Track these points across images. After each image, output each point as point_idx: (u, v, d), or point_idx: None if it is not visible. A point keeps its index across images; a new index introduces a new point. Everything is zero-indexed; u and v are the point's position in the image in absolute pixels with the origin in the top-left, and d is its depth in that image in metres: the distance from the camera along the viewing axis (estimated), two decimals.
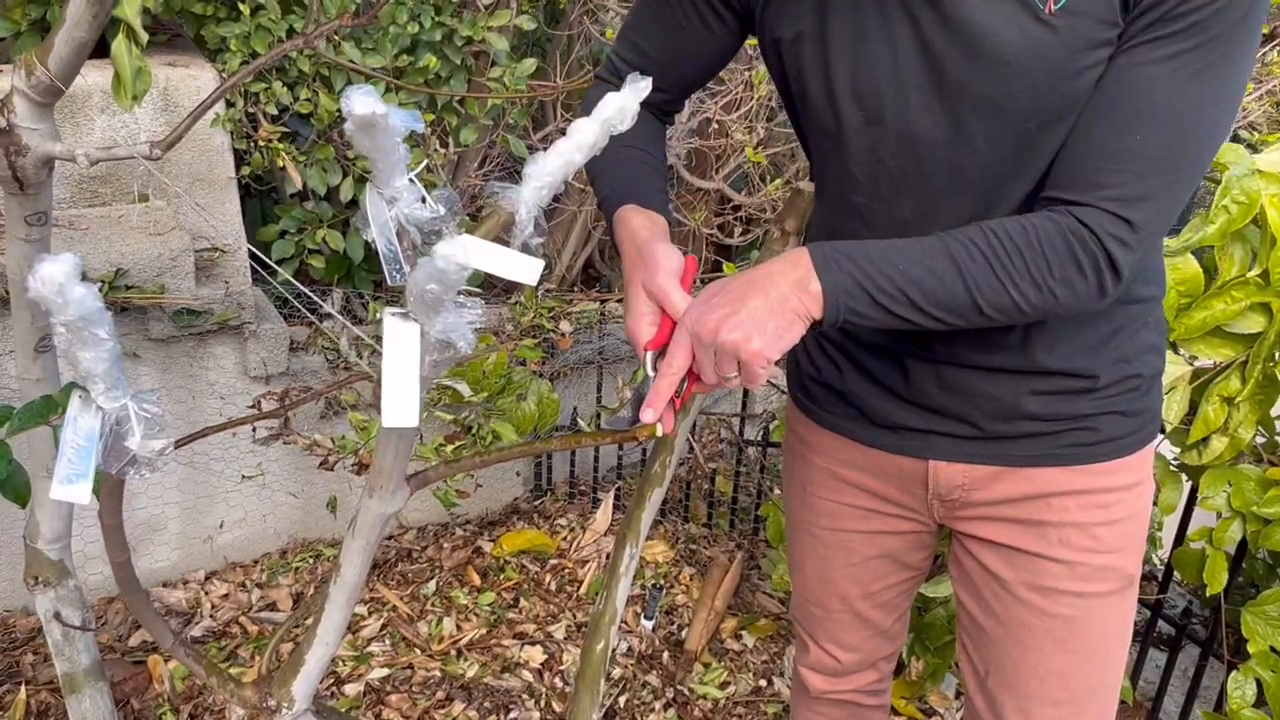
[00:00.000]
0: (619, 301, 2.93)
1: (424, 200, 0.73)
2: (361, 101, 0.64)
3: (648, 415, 0.88)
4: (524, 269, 0.80)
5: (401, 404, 0.75)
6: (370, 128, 0.65)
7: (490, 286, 3.79)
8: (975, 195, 0.90)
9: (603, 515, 2.85)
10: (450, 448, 2.27)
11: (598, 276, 4.05)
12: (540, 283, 2.66)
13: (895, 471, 1.11)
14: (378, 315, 2.51)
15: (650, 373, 0.92)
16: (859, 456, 1.13)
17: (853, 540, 1.17)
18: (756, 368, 0.83)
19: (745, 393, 2.87)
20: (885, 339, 1.03)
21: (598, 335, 2.84)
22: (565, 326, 2.71)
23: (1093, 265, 0.83)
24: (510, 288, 3.50)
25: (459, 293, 0.72)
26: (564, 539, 2.84)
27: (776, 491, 2.59)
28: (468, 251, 0.67)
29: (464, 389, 2.27)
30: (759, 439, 2.73)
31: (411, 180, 0.72)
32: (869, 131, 0.91)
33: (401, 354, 0.74)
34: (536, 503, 3.03)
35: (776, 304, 0.82)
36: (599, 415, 2.80)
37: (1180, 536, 1.76)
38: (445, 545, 2.77)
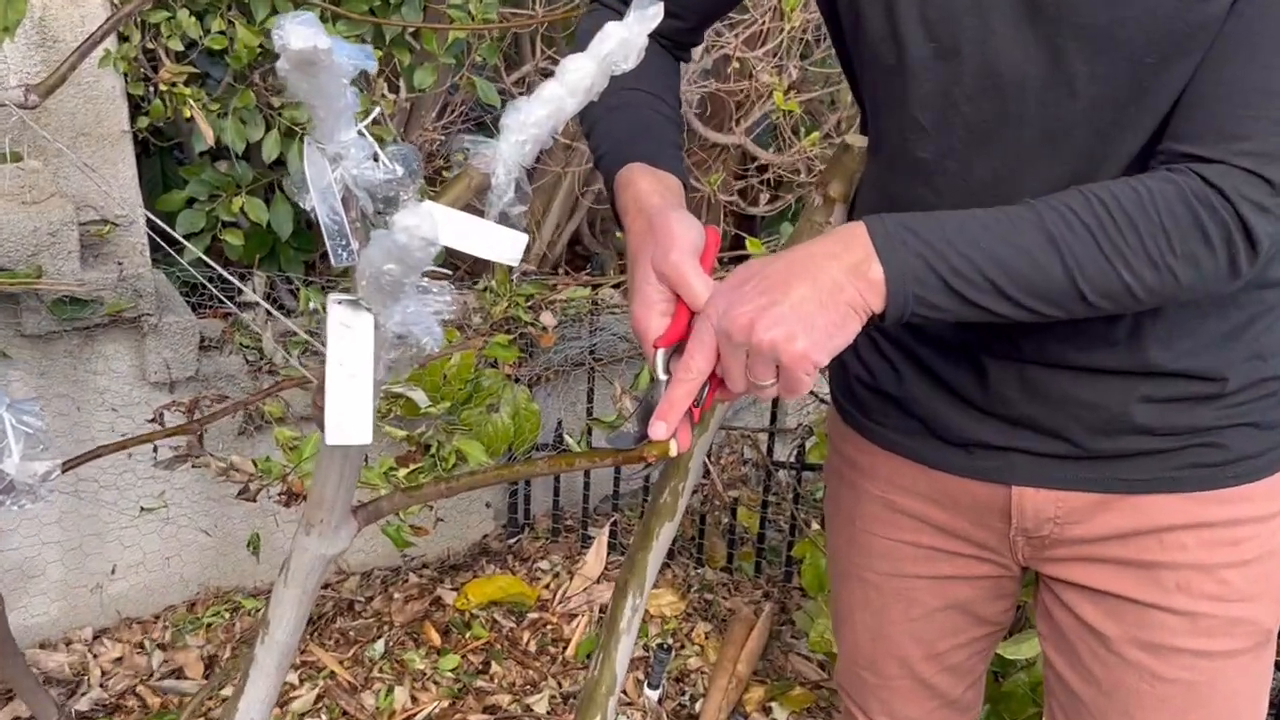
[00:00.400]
0: (617, 287, 2.94)
1: (376, 158, 0.73)
2: (299, 33, 0.63)
3: (658, 430, 0.87)
4: (503, 245, 0.80)
5: (349, 415, 0.75)
6: (309, 66, 0.65)
7: (452, 268, 3.77)
8: (1075, 151, 0.88)
9: (595, 557, 2.86)
10: (403, 472, 2.27)
11: (587, 256, 4.06)
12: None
13: (969, 501, 1.10)
14: (310, 305, 2.51)
15: (661, 376, 0.92)
16: (922, 482, 1.13)
17: (914, 588, 1.18)
18: (800, 374, 0.82)
19: (775, 402, 2.89)
20: (956, 332, 1.02)
21: (588, 330, 2.85)
22: (547, 319, 2.72)
23: (1223, 237, 0.81)
24: (477, 269, 3.51)
25: (423, 274, 0.72)
26: (546, 587, 2.85)
27: (815, 526, 2.60)
28: (435, 223, 0.66)
29: (419, 397, 2.28)
30: (792, 460, 2.73)
31: (361, 133, 0.72)
32: (940, 68, 0.89)
33: (350, 352, 0.74)
34: (511, 541, 3.04)
35: (827, 294, 0.82)
36: (590, 430, 2.80)
37: None
38: (397, 595, 2.77)
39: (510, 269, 2.69)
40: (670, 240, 0.91)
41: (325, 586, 2.74)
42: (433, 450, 2.32)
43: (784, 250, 0.87)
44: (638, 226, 0.96)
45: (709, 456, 2.75)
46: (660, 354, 0.92)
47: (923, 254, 0.82)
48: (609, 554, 2.92)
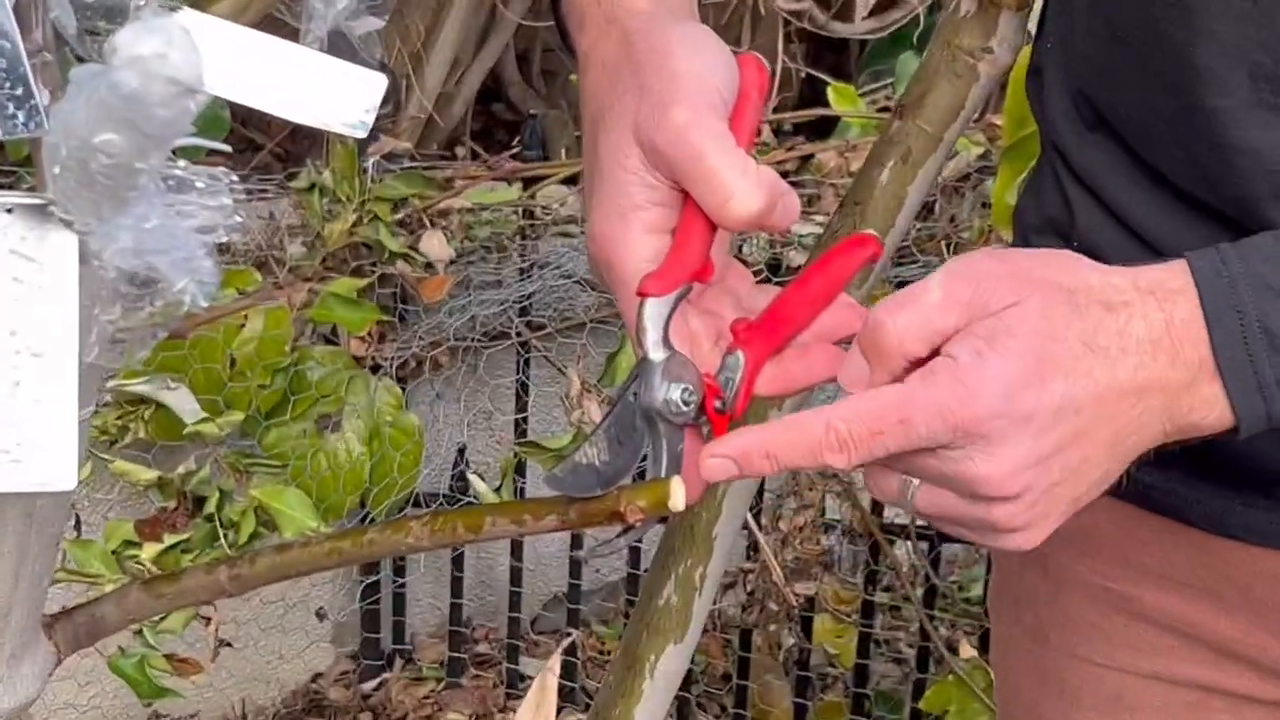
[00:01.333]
0: (572, 182, 2.92)
1: None
2: None
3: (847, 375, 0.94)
4: (338, 98, 0.81)
5: (34, 438, 0.76)
6: None
7: (239, 145, 3.73)
8: None
9: (533, 712, 2.86)
10: (151, 552, 2.27)
11: (514, 123, 4.06)
12: (372, 134, 2.66)
13: (1276, 594, 1.13)
14: None
15: (653, 353, 0.94)
16: (1184, 558, 1.16)
17: None
18: (1009, 546, 0.94)
19: None
20: None
21: (517, 266, 2.85)
22: (435, 246, 2.72)
23: None
24: (295, 150, 3.49)
25: (176, 156, 0.73)
26: None
27: (969, 652, 2.61)
28: (198, 51, 0.66)
29: (183, 402, 2.28)
30: (919, 523, 2.78)
31: None
32: None
33: (30, 310, 0.73)
34: (369, 686, 3.03)
35: (1119, 457, 0.94)
36: (521, 464, 2.80)
37: None
38: None
39: (361, 145, 2.68)
40: (671, 84, 0.94)
41: None
42: (209, 507, 2.32)
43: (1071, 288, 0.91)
44: (606, 55, 0.99)
45: (754, 515, 2.75)
46: (649, 308, 0.94)
47: None
48: (562, 708, 2.92)
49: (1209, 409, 0.91)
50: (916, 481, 0.91)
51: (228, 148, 0.72)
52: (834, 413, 0.89)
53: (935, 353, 0.89)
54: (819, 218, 2.87)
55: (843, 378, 0.93)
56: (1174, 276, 0.91)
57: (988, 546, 0.94)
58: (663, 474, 0.94)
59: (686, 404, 0.94)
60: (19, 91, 0.76)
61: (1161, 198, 1.07)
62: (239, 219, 0.77)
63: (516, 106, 4.15)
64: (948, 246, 2.66)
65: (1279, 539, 1.10)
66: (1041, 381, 0.88)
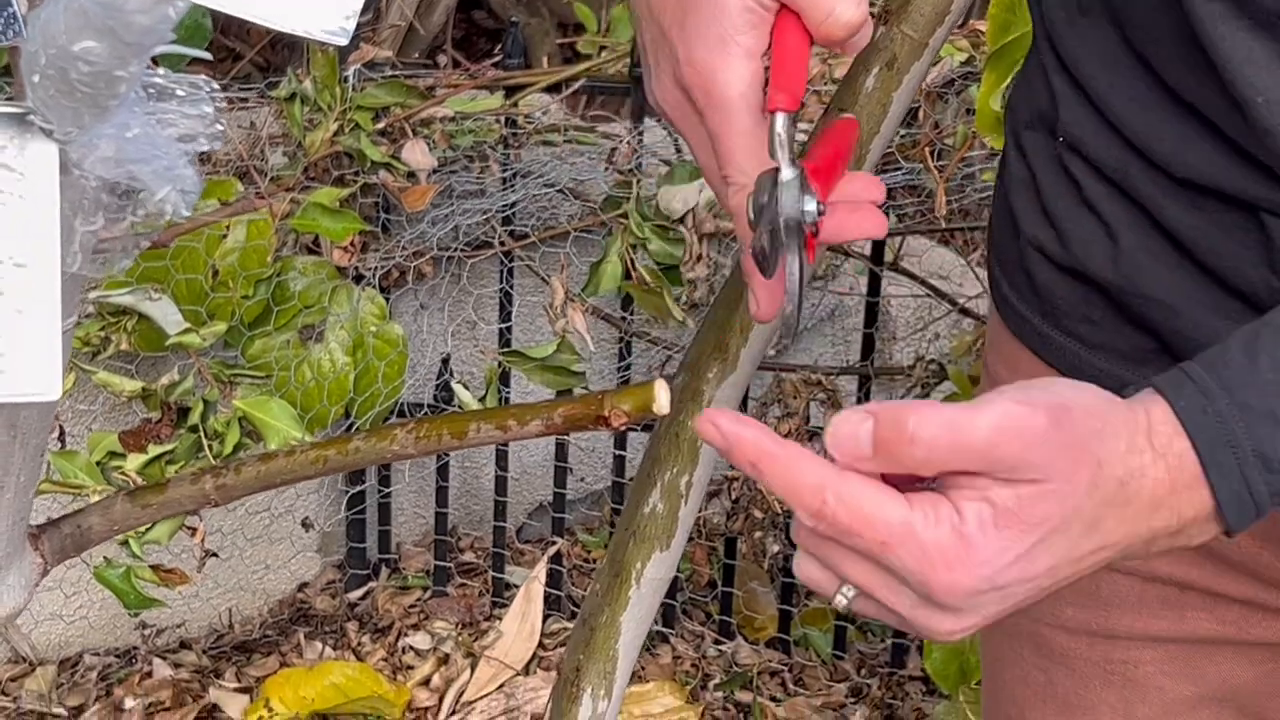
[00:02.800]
0: (555, 90, 2.91)
1: None
2: None
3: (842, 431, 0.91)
4: (318, 5, 0.80)
5: (18, 348, 0.76)
6: None
7: (219, 53, 3.72)
8: None
9: (519, 623, 2.89)
10: (136, 462, 2.28)
11: (496, 31, 4.04)
12: (353, 43, 2.64)
13: None
14: None
15: (787, 169, 0.97)
16: None
17: (1141, 662, 1.23)
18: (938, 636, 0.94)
19: (870, 321, 2.89)
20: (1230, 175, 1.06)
21: (500, 177, 2.84)
22: (418, 155, 2.71)
23: None
24: (274, 58, 3.46)
25: (157, 65, 0.73)
26: (425, 683, 2.86)
27: None
28: None
29: (164, 313, 2.27)
30: None
31: None
32: None
33: (13, 219, 0.73)
34: (355, 596, 3.05)
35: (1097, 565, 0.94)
36: (506, 372, 2.80)
37: None
38: (130, 702, 2.79)
39: (342, 54, 2.66)
40: None
41: None
42: (194, 418, 2.32)
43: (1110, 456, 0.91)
44: None
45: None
46: (781, 122, 0.97)
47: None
48: (548, 616, 2.94)
49: (1199, 510, 0.91)
50: (852, 592, 0.90)
51: (209, 55, 0.72)
52: (833, 484, 0.88)
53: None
54: (804, 125, 2.86)
55: (834, 438, 0.90)
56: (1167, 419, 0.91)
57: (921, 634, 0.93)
58: (797, 284, 0.97)
59: (820, 214, 0.97)
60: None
61: (1143, 89, 1.07)
62: (220, 128, 0.77)
63: (497, 14, 4.12)
64: (931, 153, 2.65)
65: None
66: (1030, 561, 0.89)
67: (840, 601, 0.91)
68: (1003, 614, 0.90)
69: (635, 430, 2.78)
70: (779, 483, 0.90)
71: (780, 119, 0.97)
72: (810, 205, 0.97)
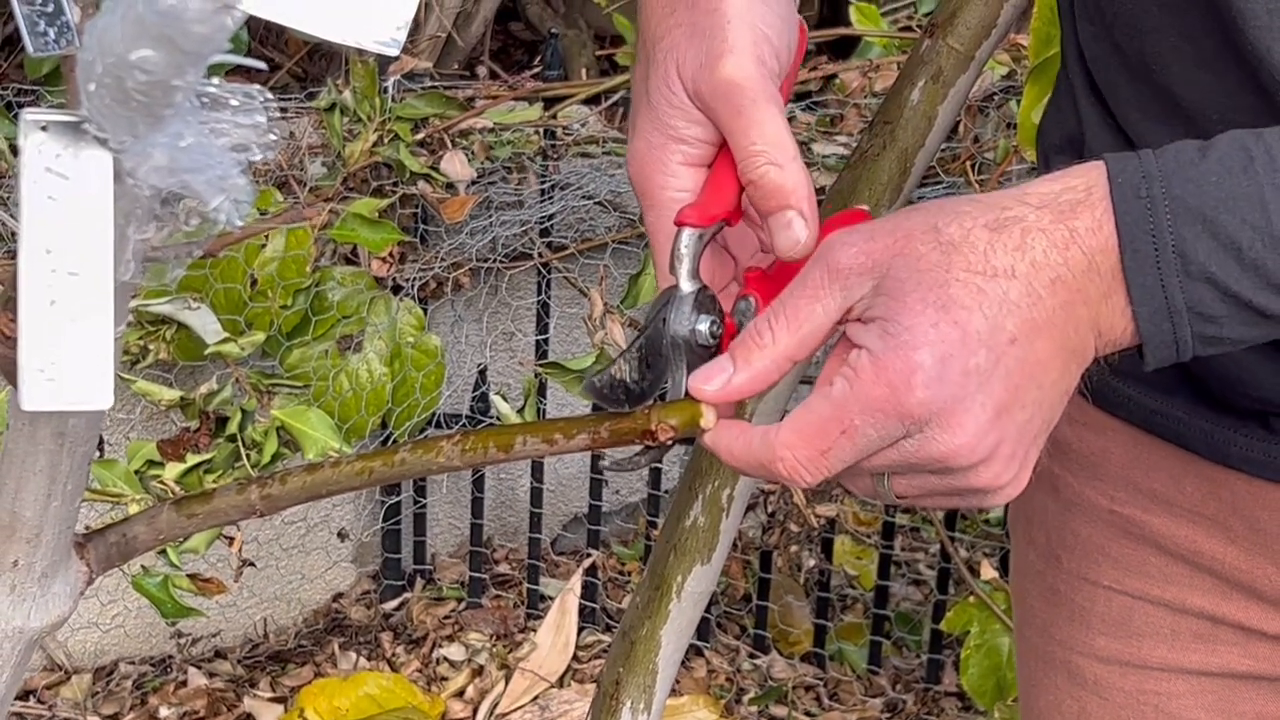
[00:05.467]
0: (595, 102, 2.91)
1: None
2: None
3: (707, 385, 0.93)
4: (366, 15, 0.80)
5: (68, 357, 0.76)
6: None
7: (257, 70, 3.72)
8: None
9: (555, 635, 2.88)
10: (174, 471, 2.28)
11: (534, 42, 4.04)
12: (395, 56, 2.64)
13: None
14: None
15: (685, 283, 0.96)
16: (1193, 485, 1.16)
17: (1174, 695, 1.23)
18: (996, 501, 0.94)
19: None
20: None
21: (538, 188, 2.84)
22: (456, 166, 2.71)
23: None
24: (313, 69, 3.47)
25: (210, 75, 0.72)
26: (460, 695, 2.86)
27: (989, 574, 2.62)
28: None
29: (205, 322, 2.28)
30: None
31: None
32: None
33: (65, 228, 0.74)
34: (390, 607, 3.05)
35: (1073, 355, 0.92)
36: (543, 384, 2.80)
37: None
38: (165, 711, 2.79)
39: (381, 64, 2.67)
40: (723, 30, 0.96)
41: (24, 695, 2.75)
42: (232, 427, 2.33)
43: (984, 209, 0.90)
44: None
45: None
46: (686, 238, 0.95)
47: (1215, 274, 0.88)
48: (583, 628, 2.94)
49: (1122, 323, 0.90)
50: (886, 475, 0.91)
51: (261, 65, 0.72)
52: (779, 438, 0.90)
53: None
54: (841, 138, 2.86)
55: (696, 382, 0.93)
56: (1072, 187, 0.90)
57: (977, 508, 0.93)
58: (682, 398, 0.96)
59: (714, 336, 0.95)
60: (50, 8, 0.75)
61: (1157, 106, 1.06)
62: (273, 137, 0.77)
63: (534, 25, 4.13)
64: (972, 166, 2.65)
65: (1279, 471, 1.10)
66: (961, 332, 0.88)
67: (885, 488, 0.93)
68: (1010, 406, 0.89)
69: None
70: (753, 471, 0.93)
71: (685, 234, 0.95)
72: (703, 325, 0.95)
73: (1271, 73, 0.94)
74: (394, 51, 0.80)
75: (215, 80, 0.75)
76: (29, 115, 0.74)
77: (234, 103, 0.74)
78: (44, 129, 0.74)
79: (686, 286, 0.95)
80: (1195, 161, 0.89)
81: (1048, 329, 0.88)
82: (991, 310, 0.87)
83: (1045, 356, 0.88)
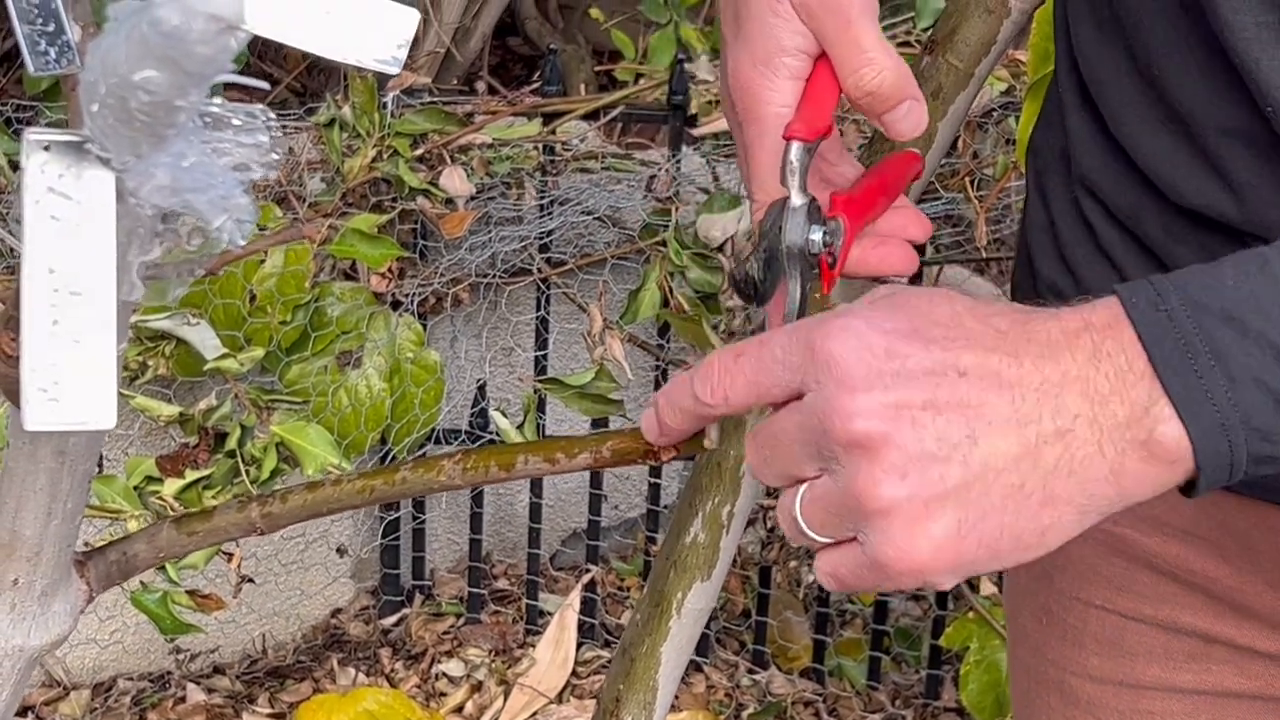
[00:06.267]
0: (594, 117, 2.91)
1: None
2: None
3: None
4: (370, 32, 0.80)
5: (70, 377, 0.76)
6: None
7: (267, 82, 3.73)
8: None
9: (554, 651, 2.88)
10: (173, 487, 2.28)
11: (533, 57, 4.04)
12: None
13: (1275, 546, 1.13)
14: None
15: (796, 196, 0.98)
16: (1187, 506, 1.10)
17: (1169, 712, 1.23)
18: (891, 580, 0.85)
19: None
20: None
21: (538, 203, 2.84)
22: (455, 182, 2.71)
23: None
24: (312, 84, 3.48)
25: (212, 94, 0.73)
26: (458, 710, 2.86)
27: (989, 589, 2.62)
28: None
29: (204, 337, 2.28)
30: None
31: None
32: None
33: (68, 248, 0.74)
34: (389, 622, 3.05)
35: (1044, 466, 0.84)
36: (543, 400, 2.80)
37: None
38: None
39: (380, 80, 2.67)
40: None
41: (22, 712, 2.75)
42: (231, 443, 2.32)
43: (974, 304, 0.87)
44: None
45: None
46: (796, 151, 0.98)
47: (1260, 374, 0.82)
48: (582, 644, 2.94)
49: (1152, 416, 0.83)
50: (803, 487, 0.86)
51: (264, 84, 0.72)
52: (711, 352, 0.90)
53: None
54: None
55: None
56: (1099, 311, 0.85)
57: (874, 565, 0.84)
58: (796, 309, 0.98)
59: (826, 245, 0.98)
60: (50, 28, 0.75)
61: (1152, 113, 1.06)
62: (275, 157, 0.77)
63: (533, 41, 4.13)
64: (971, 182, 2.65)
65: (1272, 492, 1.08)
66: (908, 325, 0.85)
67: (798, 505, 0.87)
68: (920, 419, 0.82)
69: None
70: (675, 394, 0.91)
71: (795, 147, 0.97)
72: (816, 234, 0.97)
73: (1258, 84, 0.94)
74: (395, 70, 0.81)
75: (218, 100, 0.75)
76: (32, 135, 0.74)
77: (236, 122, 0.74)
78: (47, 149, 0.74)
79: (798, 199, 0.98)
80: (1206, 271, 0.85)
81: (1011, 393, 0.82)
82: (958, 336, 0.84)
83: (996, 416, 0.82)
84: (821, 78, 1.00)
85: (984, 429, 0.82)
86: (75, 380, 0.76)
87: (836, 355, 0.83)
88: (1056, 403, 0.82)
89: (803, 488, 0.86)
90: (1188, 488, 0.86)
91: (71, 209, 0.74)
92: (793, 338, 0.86)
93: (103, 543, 1.03)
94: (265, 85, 0.74)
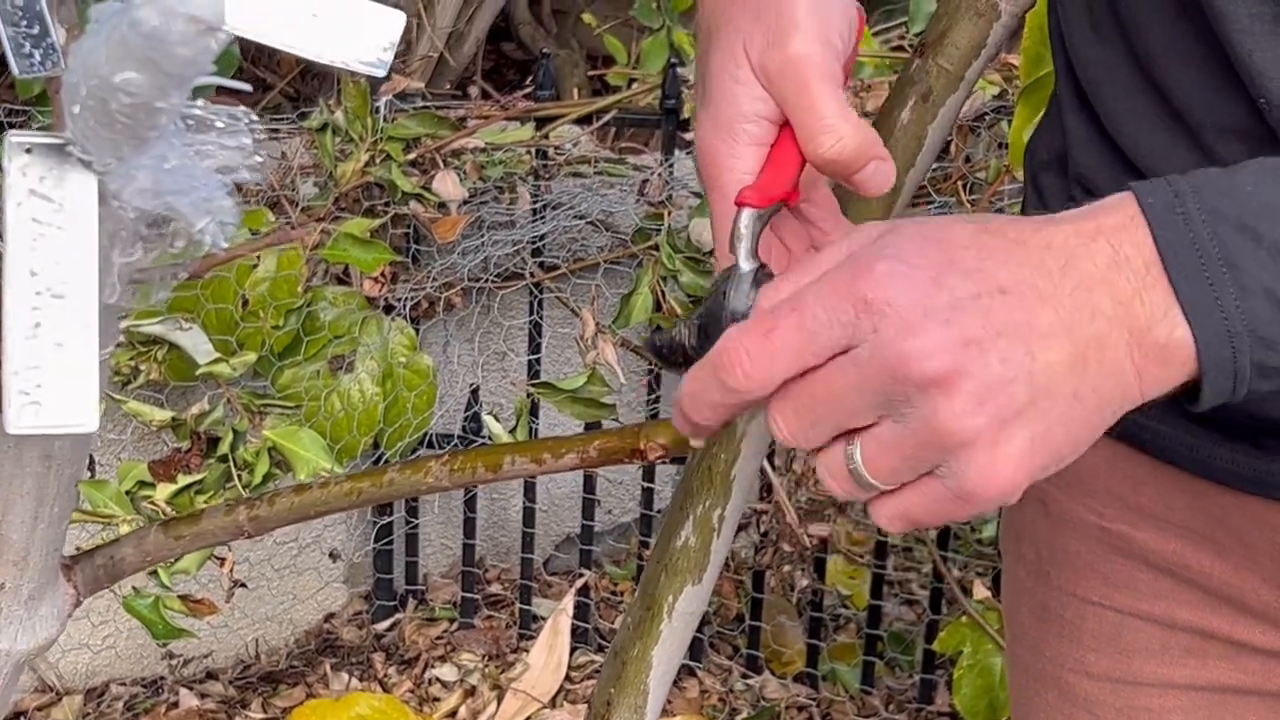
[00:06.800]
0: (586, 121, 2.91)
1: None
2: None
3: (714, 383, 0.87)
4: (356, 34, 0.80)
5: (54, 379, 0.76)
6: None
7: (255, 85, 3.75)
8: None
9: (547, 655, 2.88)
10: (165, 492, 2.28)
11: (526, 62, 4.04)
12: (386, 74, 2.64)
13: (1270, 540, 1.13)
14: None
15: (744, 262, 0.96)
16: (1181, 501, 1.16)
17: (1164, 710, 1.23)
18: (982, 506, 0.86)
19: None
20: None
21: (531, 208, 2.84)
22: (448, 186, 2.71)
23: None
24: (305, 89, 3.47)
25: (195, 96, 0.73)
26: (451, 715, 2.85)
27: (983, 593, 2.62)
28: None
29: (196, 342, 2.28)
30: None
31: None
32: None
33: (51, 250, 0.74)
34: (382, 627, 3.05)
35: (1093, 362, 0.85)
36: (536, 404, 2.80)
37: None
38: None
39: (373, 85, 2.67)
40: (791, 13, 0.98)
41: (14, 717, 2.75)
42: (223, 448, 2.32)
43: (1009, 220, 0.87)
44: None
45: (768, 457, 2.75)
46: (746, 218, 0.97)
47: (1271, 285, 0.84)
48: (575, 648, 2.94)
49: (1165, 330, 0.84)
50: (857, 442, 0.85)
51: (247, 86, 0.72)
52: (730, 331, 0.87)
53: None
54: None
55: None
56: (1097, 204, 0.87)
57: (958, 497, 0.85)
58: None
59: None
60: (35, 30, 0.75)
61: (1151, 110, 1.05)
62: (259, 159, 0.77)
63: (527, 46, 4.13)
64: (964, 186, 2.65)
65: (1266, 487, 1.09)
66: (946, 258, 0.84)
67: (854, 458, 0.86)
68: (985, 345, 0.82)
69: (664, 463, 2.78)
70: (703, 382, 0.88)
71: (745, 214, 0.96)
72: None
73: (1253, 77, 0.94)
74: (381, 72, 0.80)
75: (200, 102, 0.75)
76: (14, 138, 0.74)
77: (219, 125, 0.74)
78: (29, 151, 0.74)
79: (745, 265, 0.96)
80: (1224, 176, 0.86)
81: (1051, 303, 0.83)
82: (986, 255, 0.84)
83: (1045, 328, 0.83)
84: (786, 143, 0.99)
85: (1038, 343, 0.83)
86: (58, 383, 0.76)
87: (892, 300, 0.82)
88: (1091, 307, 0.84)
89: (859, 440, 0.85)
90: (1194, 399, 0.87)
91: (53, 212, 0.74)
92: (834, 294, 0.84)
93: (84, 550, 1.03)
94: (248, 88, 0.74)
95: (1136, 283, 0.84)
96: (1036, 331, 0.83)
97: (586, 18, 3.69)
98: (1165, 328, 0.84)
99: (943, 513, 0.86)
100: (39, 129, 0.75)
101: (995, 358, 0.82)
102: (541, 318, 2.88)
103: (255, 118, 0.76)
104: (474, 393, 2.85)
